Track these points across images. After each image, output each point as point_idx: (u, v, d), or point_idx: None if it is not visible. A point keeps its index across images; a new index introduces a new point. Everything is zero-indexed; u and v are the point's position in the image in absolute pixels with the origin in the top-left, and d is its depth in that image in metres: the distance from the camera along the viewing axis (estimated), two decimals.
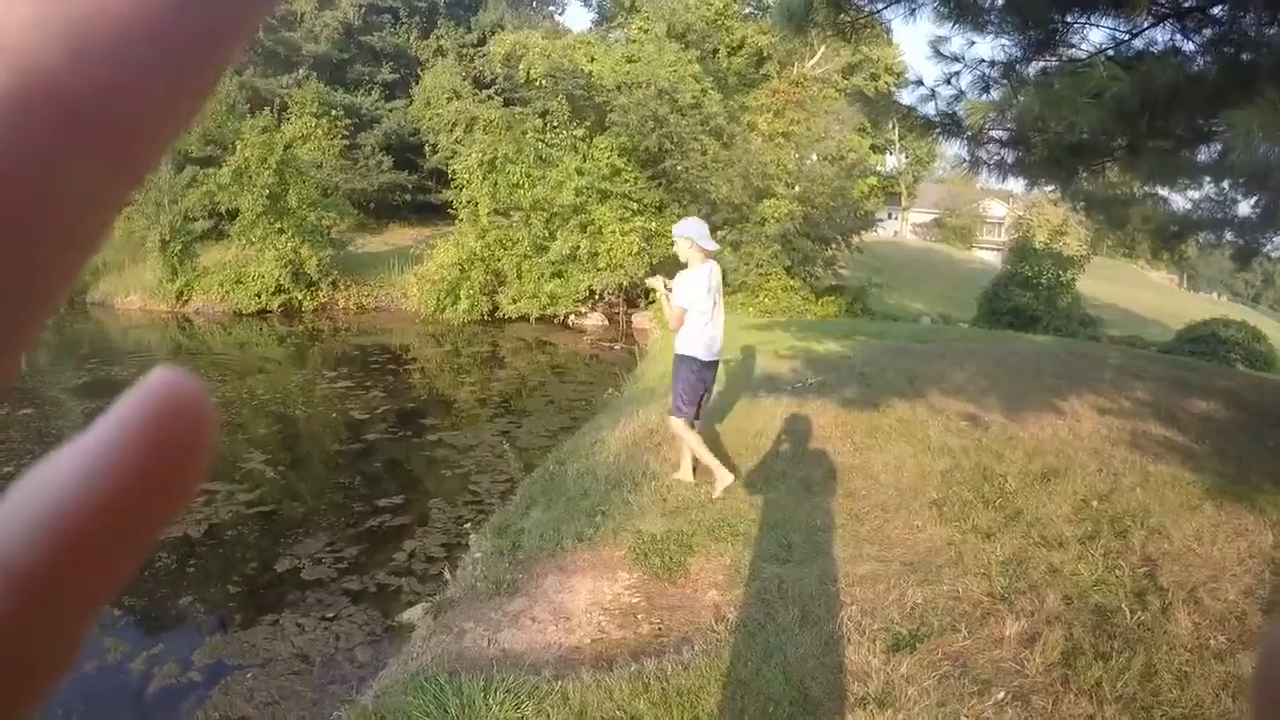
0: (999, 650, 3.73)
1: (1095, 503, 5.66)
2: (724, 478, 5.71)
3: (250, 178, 18.96)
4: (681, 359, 5.59)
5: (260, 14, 0.18)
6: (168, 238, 19.54)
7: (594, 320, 17.90)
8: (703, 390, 5.67)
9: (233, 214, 19.61)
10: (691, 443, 5.77)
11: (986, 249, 48.48)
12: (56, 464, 0.18)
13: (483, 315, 18.21)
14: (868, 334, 12.80)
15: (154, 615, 6.08)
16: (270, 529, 7.39)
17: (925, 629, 3.93)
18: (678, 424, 5.74)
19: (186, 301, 19.86)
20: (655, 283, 5.79)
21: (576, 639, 4.15)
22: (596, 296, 17.73)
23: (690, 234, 5.46)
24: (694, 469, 6.04)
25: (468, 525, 7.17)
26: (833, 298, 17.99)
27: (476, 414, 11.17)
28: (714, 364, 5.68)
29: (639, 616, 4.34)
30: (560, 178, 17.17)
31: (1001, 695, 3.32)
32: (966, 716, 3.22)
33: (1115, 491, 5.90)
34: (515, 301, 17.99)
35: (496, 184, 17.80)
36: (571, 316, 17.97)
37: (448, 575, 5.94)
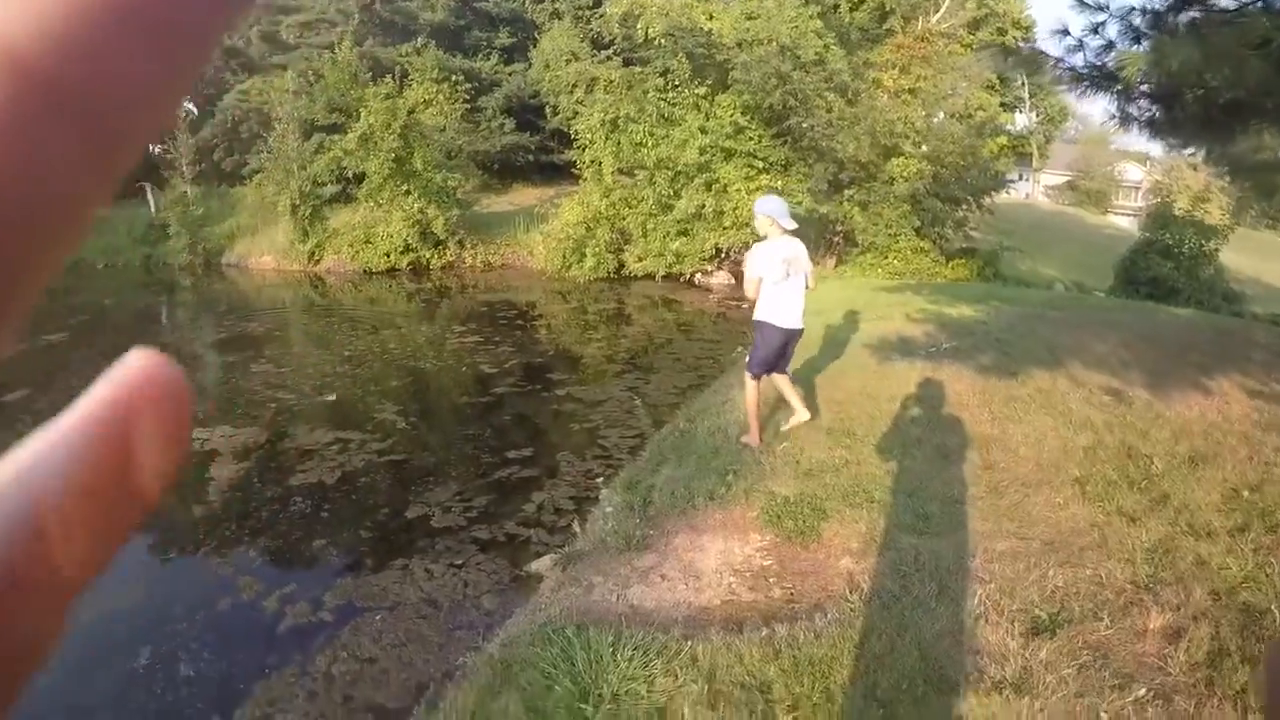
0: (1141, 644, 3.49)
1: (1246, 493, 5.16)
2: (753, 438, 6.13)
3: (375, 143, 19.65)
4: (758, 325, 5.91)
5: (240, 11, 0.18)
6: (298, 202, 20.36)
7: (720, 279, 17.62)
8: (778, 356, 5.96)
9: (359, 178, 20.40)
10: (750, 400, 6.11)
11: (1122, 214, 45.59)
12: (33, 450, 0.18)
13: (608, 273, 18.33)
14: (1002, 299, 12.10)
15: (288, 556, 6.23)
16: (401, 477, 7.49)
17: (1066, 614, 3.69)
18: (749, 382, 6.08)
19: (318, 261, 20.94)
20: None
21: (706, 599, 4.01)
22: (722, 255, 17.47)
23: (770, 212, 5.75)
24: (799, 408, 6.38)
25: (598, 480, 7.03)
26: (964, 261, 17.34)
27: (604, 370, 11.04)
28: (792, 332, 5.91)
29: (770, 580, 4.17)
30: (683, 136, 17.20)
31: (1142, 692, 3.09)
32: (1105, 711, 2.99)
33: (1267, 482, 5.39)
34: (641, 260, 18.05)
35: (619, 143, 17.97)
36: (698, 275, 17.81)
37: (576, 528, 5.82)
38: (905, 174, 16.05)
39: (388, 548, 6.32)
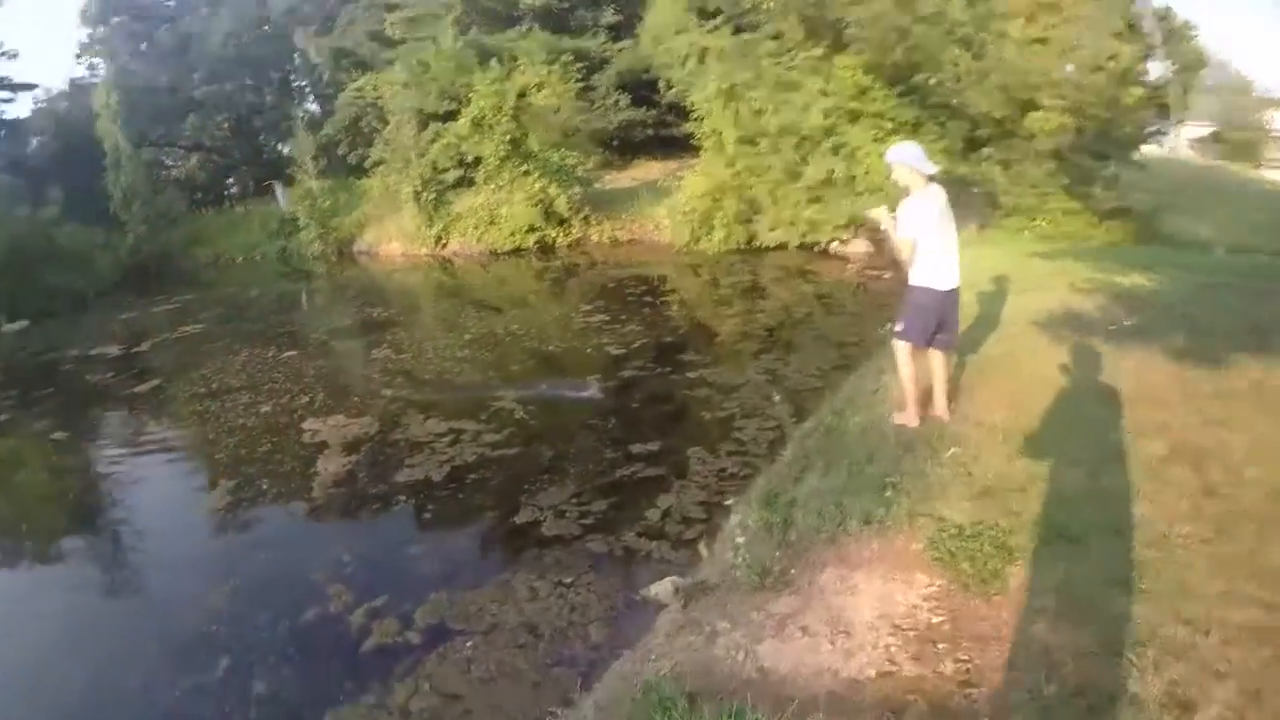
0: None
1: None
2: (909, 417, 5.47)
3: (489, 126, 20.05)
4: (913, 289, 5.24)
5: None
6: (419, 188, 21.02)
7: (858, 247, 16.38)
8: (935, 320, 5.25)
9: (478, 162, 20.67)
10: (904, 373, 5.39)
11: (1275, 168, 40.30)
12: None
13: (739, 245, 17.53)
14: (1174, 266, 10.28)
15: (383, 563, 5.76)
16: (514, 474, 6.93)
17: None
18: (900, 350, 5.36)
19: (444, 244, 21.27)
20: (878, 214, 5.35)
21: (857, 667, 3.14)
22: (861, 224, 16.25)
23: (906, 159, 5.11)
24: (949, 402, 5.55)
25: (731, 481, 6.24)
26: (1119, 222, 15.49)
27: (739, 349, 10.16)
28: (951, 294, 5.22)
29: (940, 646, 3.23)
30: (805, 101, 16.25)
31: None
32: None
33: None
34: (773, 229, 17.14)
35: (738, 112, 17.20)
36: (834, 243, 16.67)
37: (703, 549, 5.05)
38: (1046, 129, 14.55)
39: (491, 558, 5.77)
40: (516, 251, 20.11)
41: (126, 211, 23.75)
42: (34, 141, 28.07)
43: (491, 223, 20.28)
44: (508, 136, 19.84)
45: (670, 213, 18.70)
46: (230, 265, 23.88)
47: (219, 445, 8.55)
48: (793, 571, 3.83)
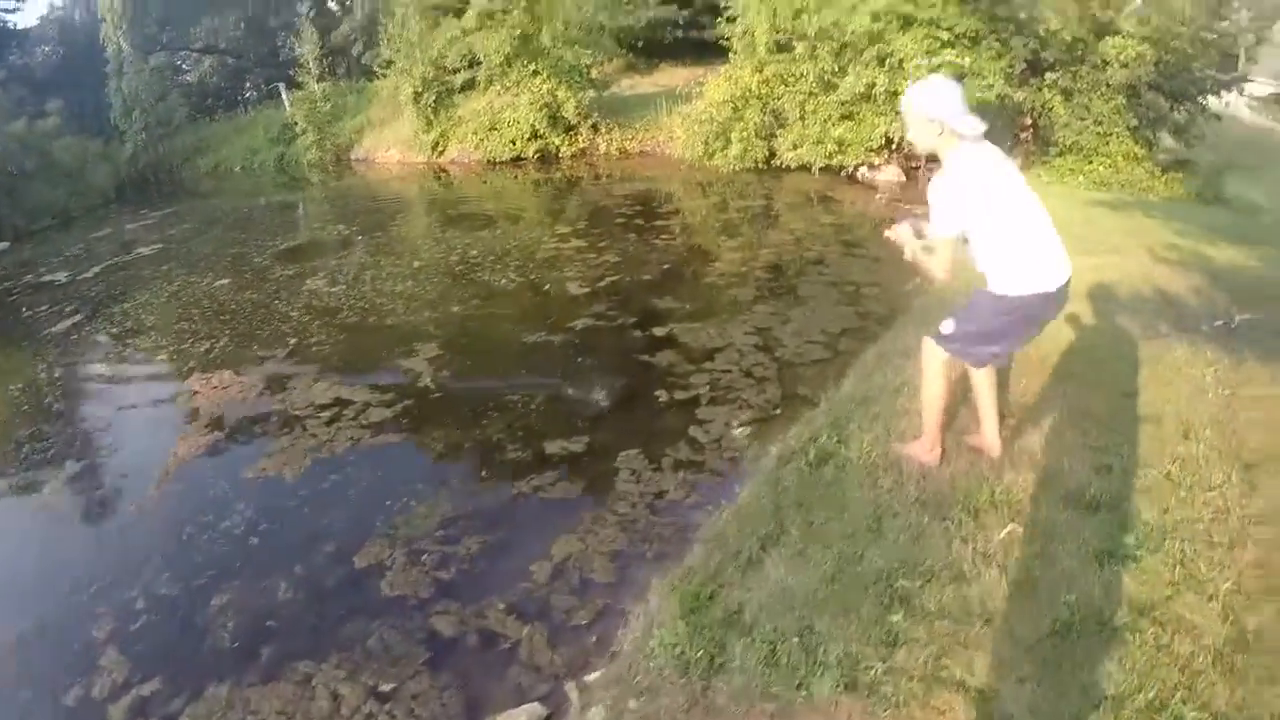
0: None
1: None
2: (928, 451, 3.45)
3: (499, 17, 17.40)
4: (987, 297, 3.06)
5: None
6: (420, 89, 18.43)
7: (889, 175, 13.75)
8: (1022, 336, 3.27)
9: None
10: (930, 391, 3.34)
11: None
12: None
13: (757, 163, 14.88)
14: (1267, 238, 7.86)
15: (161, 629, 3.81)
16: (380, 479, 4.99)
17: None
18: (932, 358, 3.27)
19: (442, 152, 18.85)
20: (904, 239, 3.17)
21: None
22: (893, 147, 13.64)
23: (932, 108, 2.91)
24: (1000, 424, 3.49)
25: (665, 518, 4.14)
26: (1180, 176, 12.94)
27: (731, 295, 7.86)
28: (1046, 298, 3.02)
29: None
30: (852, 0, 13.53)
31: None
32: None
33: None
34: (796, 148, 14.50)
35: (775, 10, 14.40)
36: (862, 169, 14.03)
37: (621, 640, 3.08)
38: (1122, 58, 12.13)
39: (301, 632, 3.74)
40: (516, 161, 17.64)
41: (126, 120, 21.90)
42: (39, 52, 26.18)
43: (492, 128, 17.73)
44: (517, 31, 17.16)
45: (684, 121, 16.02)
46: (229, 174, 21.85)
47: (75, 413, 6.76)
48: None
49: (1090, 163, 12.32)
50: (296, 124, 21.20)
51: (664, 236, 10.44)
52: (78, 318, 9.37)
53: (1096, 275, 5.69)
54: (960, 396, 3.62)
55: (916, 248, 3.05)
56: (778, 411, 5.10)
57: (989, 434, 3.38)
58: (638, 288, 8.23)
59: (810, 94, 14.23)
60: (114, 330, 8.72)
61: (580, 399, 5.75)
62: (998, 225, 2.89)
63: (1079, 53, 12.78)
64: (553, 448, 4.95)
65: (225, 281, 10.07)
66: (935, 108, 2.84)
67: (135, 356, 7.89)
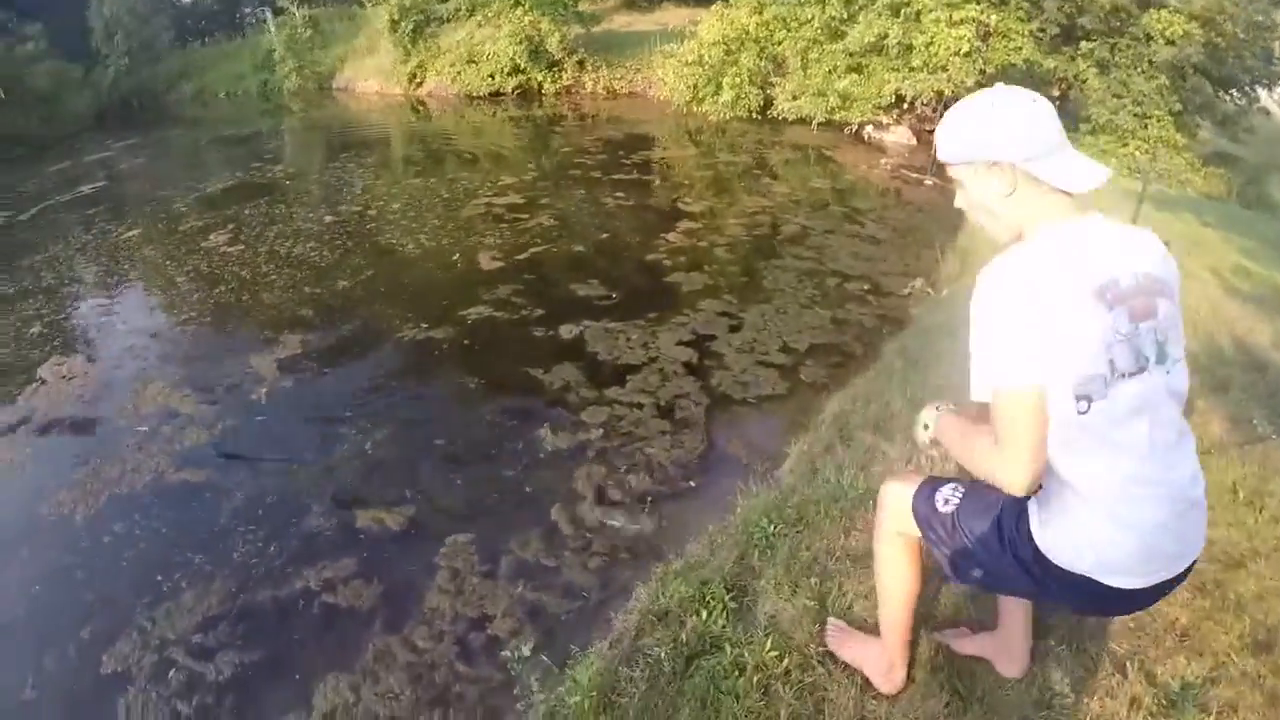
0: None
1: None
2: (886, 676, 1.87)
3: None
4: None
5: None
6: (396, 17, 16.79)
7: (897, 137, 12.09)
8: (1040, 596, 1.57)
9: None
10: (890, 577, 1.74)
11: None
12: None
13: (750, 112, 13.25)
14: None
15: None
16: (163, 542, 3.74)
17: None
18: (896, 524, 1.67)
19: (419, 84, 17.23)
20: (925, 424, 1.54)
21: None
22: (904, 105, 12.03)
23: (998, 145, 1.32)
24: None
25: (475, 668, 2.90)
26: (1221, 171, 11.46)
27: (675, 282, 6.43)
28: (1122, 598, 1.35)
29: None
30: None
31: None
32: None
33: None
34: (795, 98, 12.86)
35: None
36: (868, 128, 12.39)
37: None
38: (1168, 33, 10.55)
39: None
40: (494, 96, 16.00)
41: (108, 44, 20.08)
42: None
43: (470, 61, 16.09)
44: None
45: (671, 62, 14.23)
46: (214, 100, 20.22)
47: None
48: None
49: (1126, 145, 10.70)
50: (275, 51, 19.39)
51: (619, 194, 8.94)
52: None
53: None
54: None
55: (932, 427, 1.53)
56: (691, 484, 3.78)
57: (1015, 653, 1.91)
58: (561, 264, 6.85)
59: (814, 40, 12.62)
60: (10, 290, 7.47)
61: (426, 435, 4.44)
62: (1081, 416, 1.25)
63: (1119, 23, 11.21)
64: (364, 518, 3.69)
65: (135, 233, 8.77)
66: (1005, 134, 1.31)
67: (10, 328, 6.67)
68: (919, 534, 1.63)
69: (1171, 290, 1.31)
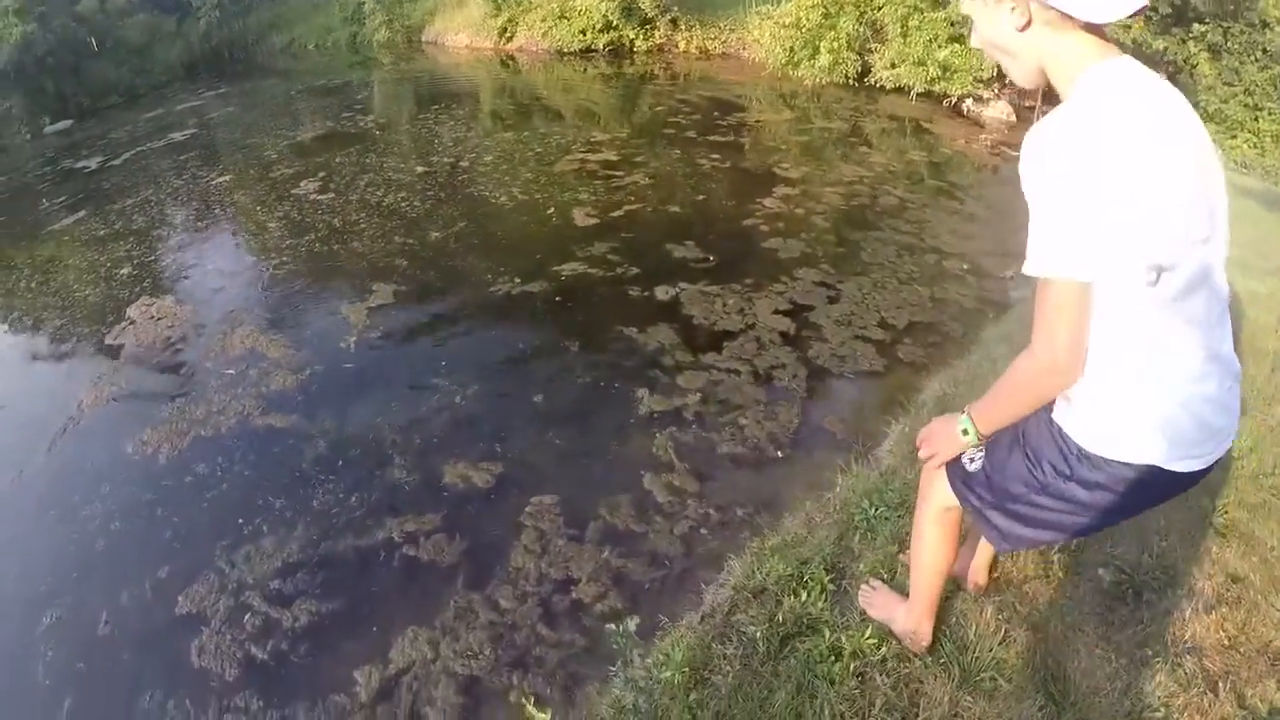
0: None
1: None
2: (913, 634, 1.93)
3: None
4: (1051, 431, 1.40)
5: None
6: None
7: (997, 111, 11.33)
8: (1085, 526, 1.44)
9: None
10: (925, 551, 1.78)
11: None
12: None
13: (847, 77, 12.63)
14: None
15: None
16: (245, 483, 3.77)
17: None
18: (935, 500, 1.69)
19: (510, 38, 17.08)
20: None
21: None
22: (1005, 79, 11.21)
23: None
24: None
25: (561, 631, 2.81)
26: None
27: (772, 248, 6.19)
28: (1170, 482, 1.31)
29: None
30: None
31: None
32: None
33: None
34: (894, 66, 12.19)
35: None
36: (967, 101, 11.64)
37: None
38: None
39: (100, 694, 2.78)
40: (586, 53, 15.77)
41: None
42: None
43: (561, 16, 15.85)
44: None
45: (769, 23, 13.71)
46: (303, 52, 20.63)
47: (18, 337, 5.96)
48: None
49: (1234, 138, 10.11)
50: (364, 4, 19.59)
51: (714, 156, 8.66)
52: (81, 213, 8.41)
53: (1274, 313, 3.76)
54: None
55: (981, 409, 1.43)
56: (779, 454, 3.60)
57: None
58: (658, 225, 6.64)
59: (915, 7, 11.92)
60: (102, 233, 7.72)
61: (517, 398, 4.32)
62: (1150, 289, 1.16)
63: (1234, 6, 10.54)
64: (450, 473, 3.61)
65: (226, 179, 8.96)
66: None
67: (101, 268, 6.86)
68: (960, 507, 1.63)
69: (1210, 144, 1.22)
